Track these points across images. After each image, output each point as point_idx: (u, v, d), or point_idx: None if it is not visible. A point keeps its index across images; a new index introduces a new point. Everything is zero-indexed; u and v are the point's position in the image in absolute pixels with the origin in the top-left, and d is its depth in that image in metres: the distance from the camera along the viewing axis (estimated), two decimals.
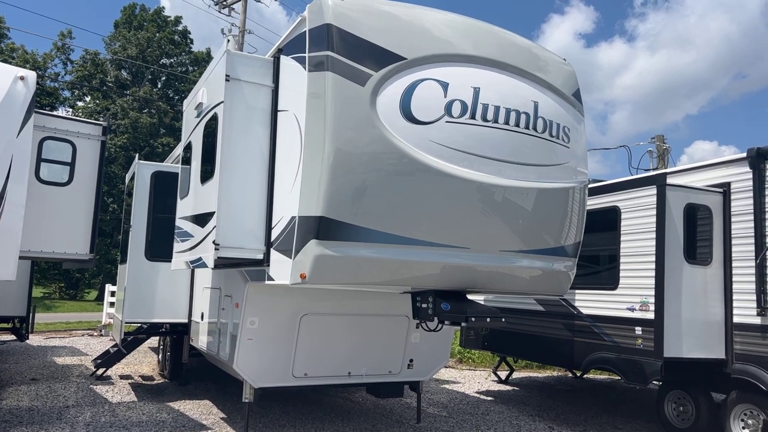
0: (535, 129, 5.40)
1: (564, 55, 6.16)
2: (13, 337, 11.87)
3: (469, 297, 5.69)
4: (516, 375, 11.67)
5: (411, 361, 6.96)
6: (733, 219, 7.02)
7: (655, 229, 7.01)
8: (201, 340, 7.66)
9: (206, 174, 5.80)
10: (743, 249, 6.87)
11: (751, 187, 6.81)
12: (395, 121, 4.76)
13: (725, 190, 7.13)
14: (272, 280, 5.23)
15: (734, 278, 6.95)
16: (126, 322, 8.45)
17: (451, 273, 5.17)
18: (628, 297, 7.28)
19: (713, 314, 7.00)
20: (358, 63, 4.71)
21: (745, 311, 6.77)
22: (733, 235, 7.01)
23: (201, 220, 5.82)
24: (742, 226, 6.90)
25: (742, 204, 6.92)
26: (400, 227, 4.81)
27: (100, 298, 29.14)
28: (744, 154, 6.90)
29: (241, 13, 24.29)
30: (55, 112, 24.88)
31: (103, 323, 17.18)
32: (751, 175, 6.82)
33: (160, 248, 8.03)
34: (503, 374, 11.32)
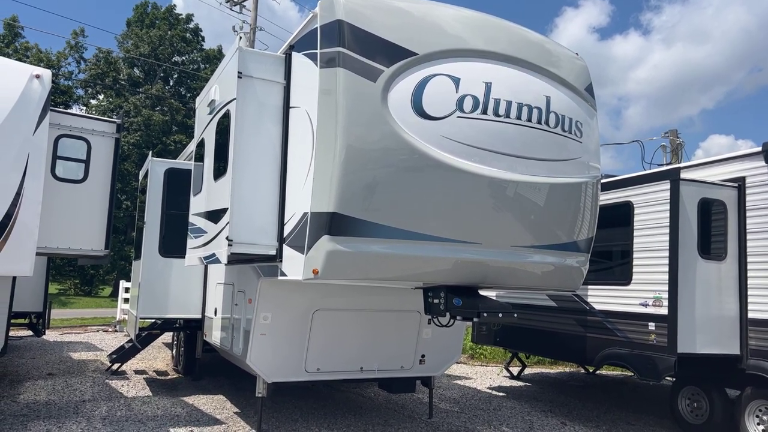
0: (547, 124, 5.38)
1: (578, 49, 6.15)
2: (30, 332, 12.04)
3: (481, 292, 5.69)
4: (528, 371, 11.65)
5: (423, 356, 6.98)
6: (748, 214, 6.95)
7: (668, 224, 6.97)
8: (214, 335, 7.73)
9: (219, 170, 5.84)
10: (758, 244, 6.81)
11: (767, 181, 6.74)
12: (407, 116, 4.76)
13: (740, 184, 7.06)
14: (285, 275, 5.27)
15: (749, 273, 6.88)
16: (140, 318, 8.54)
17: (463, 268, 5.17)
18: (641, 292, 7.25)
19: (728, 309, 6.94)
20: (369, 59, 4.71)
21: (760, 306, 6.72)
22: (748, 230, 6.94)
23: (214, 216, 5.86)
24: (757, 220, 6.84)
25: (757, 198, 6.85)
26: (412, 223, 4.82)
27: (114, 294, 29.45)
28: (759, 149, 6.83)
29: (252, 10, 24.36)
30: (69, 110, 25.10)
31: (117, 319, 17.37)
32: (766, 170, 6.75)
33: (173, 244, 8.10)
34: (515, 370, 11.31)
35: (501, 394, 9.59)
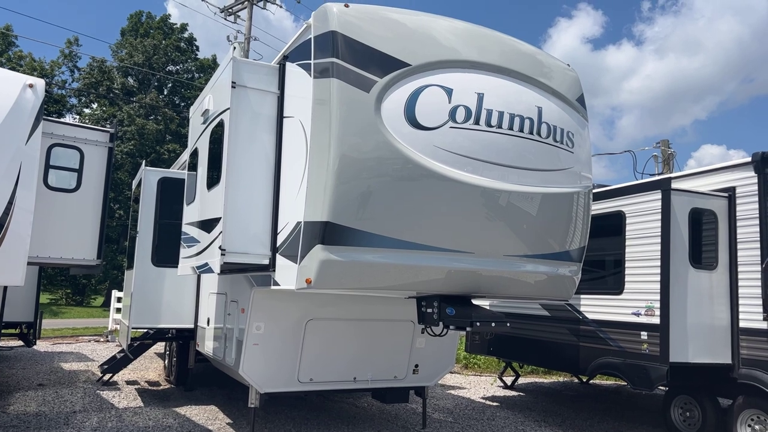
0: (539, 134, 5.43)
1: (571, 59, 6.22)
2: (21, 342, 11.95)
3: (474, 302, 5.70)
4: (522, 380, 11.64)
5: (416, 366, 6.97)
6: (738, 223, 7.01)
7: (660, 233, 7.01)
8: (207, 345, 7.69)
9: (212, 180, 5.84)
10: (749, 253, 6.86)
11: (756, 192, 6.80)
12: (400, 126, 4.79)
13: (730, 194, 7.12)
14: (278, 285, 5.26)
15: (740, 283, 6.93)
16: (132, 328, 8.48)
17: (456, 278, 5.19)
18: (633, 302, 7.27)
19: (719, 319, 6.98)
20: (362, 69, 4.75)
21: (752, 316, 6.75)
22: (738, 240, 6.99)
23: (207, 225, 5.86)
24: (748, 230, 6.89)
25: (748, 208, 6.91)
26: (405, 232, 4.84)
27: (106, 304, 29.25)
28: (749, 159, 6.90)
29: (247, 20, 24.44)
30: (62, 119, 25.04)
31: (109, 329, 17.26)
32: (756, 180, 6.81)
33: (166, 254, 8.08)
34: (509, 380, 11.30)
35: (495, 403, 9.58)
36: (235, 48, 5.65)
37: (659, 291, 6.90)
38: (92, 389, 9.22)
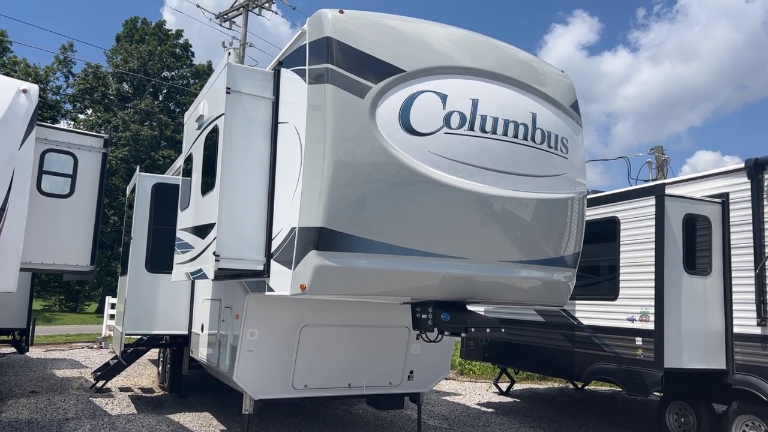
0: (533, 140, 5.44)
1: (566, 66, 6.36)
2: (13, 349, 11.85)
3: (469, 308, 5.70)
4: (517, 386, 11.63)
5: (411, 372, 6.95)
6: (732, 229, 7.04)
7: (654, 239, 7.03)
8: (201, 351, 7.65)
9: (207, 186, 5.83)
10: (742, 259, 6.89)
11: (750, 198, 6.84)
12: (394, 132, 4.80)
13: (724, 200, 7.16)
14: (272, 291, 5.24)
15: (734, 288, 6.95)
16: (126, 334, 8.44)
17: (451, 283, 5.18)
18: (628, 307, 7.29)
19: (713, 324, 7.00)
20: (357, 75, 4.75)
21: (745, 321, 6.78)
22: (732, 245, 7.02)
23: (201, 231, 5.84)
24: (741, 236, 6.92)
25: (741, 214, 6.94)
26: (400, 238, 4.83)
27: (100, 311, 29.09)
28: (742, 165, 6.94)
29: (242, 26, 24.47)
30: (56, 125, 24.99)
31: (103, 335, 17.16)
32: (749, 186, 6.85)
33: (160, 260, 8.04)
34: (504, 386, 11.28)
35: (490, 410, 9.56)
36: (230, 54, 5.64)
37: (654, 297, 6.92)
38: (85, 396, 9.16)
